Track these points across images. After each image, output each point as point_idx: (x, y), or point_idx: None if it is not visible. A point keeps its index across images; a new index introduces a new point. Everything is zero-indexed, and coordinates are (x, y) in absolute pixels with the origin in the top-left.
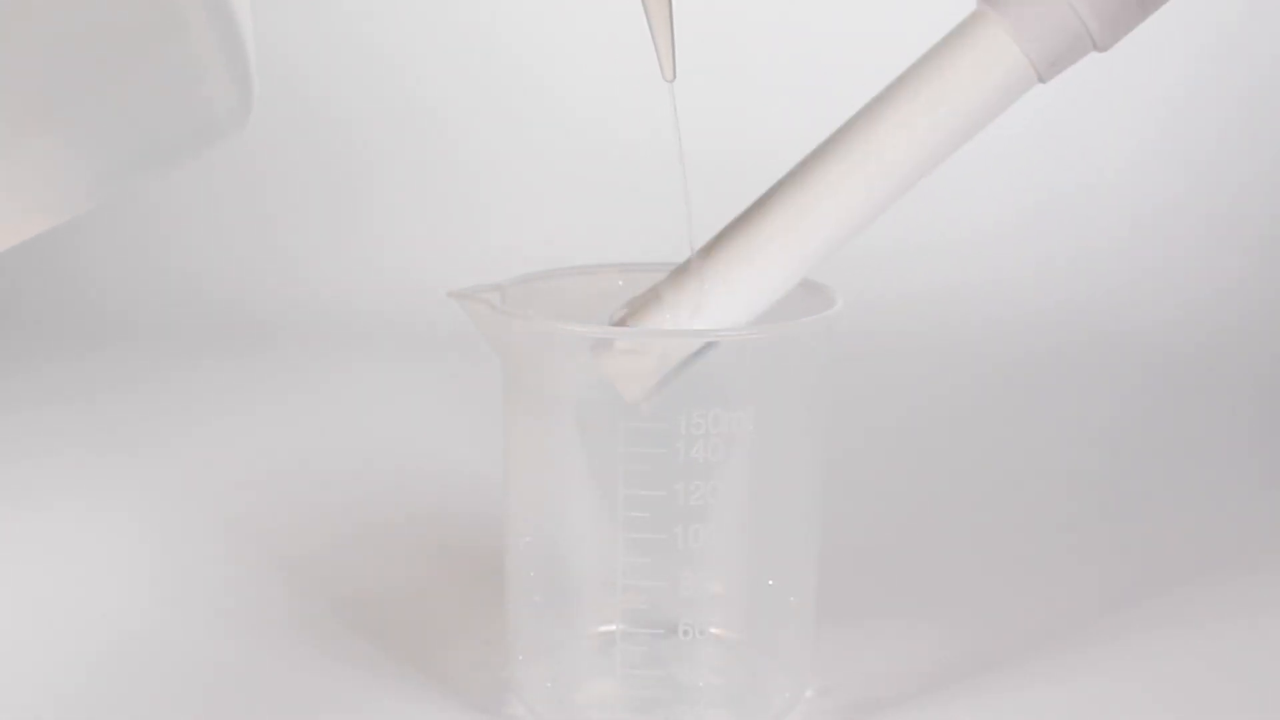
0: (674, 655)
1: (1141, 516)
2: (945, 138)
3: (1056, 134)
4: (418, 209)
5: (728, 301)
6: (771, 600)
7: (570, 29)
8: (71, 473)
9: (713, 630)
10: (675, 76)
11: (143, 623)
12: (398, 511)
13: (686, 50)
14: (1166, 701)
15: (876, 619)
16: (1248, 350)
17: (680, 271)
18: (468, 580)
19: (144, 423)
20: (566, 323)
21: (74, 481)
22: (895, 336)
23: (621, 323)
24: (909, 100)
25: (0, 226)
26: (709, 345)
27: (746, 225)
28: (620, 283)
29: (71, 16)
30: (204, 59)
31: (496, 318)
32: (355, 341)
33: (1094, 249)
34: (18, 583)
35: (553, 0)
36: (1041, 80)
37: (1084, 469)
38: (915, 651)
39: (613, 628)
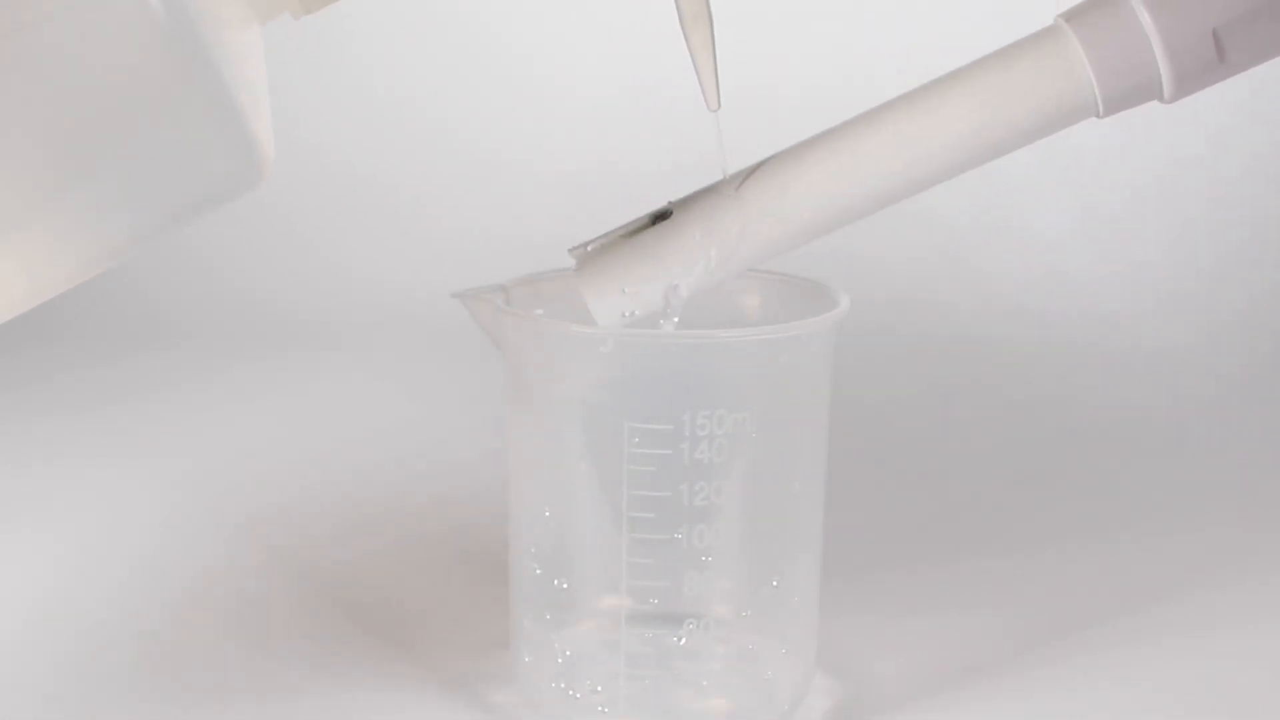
0: (679, 655)
1: (1147, 516)
2: (986, 144)
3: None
4: (421, 207)
5: (706, 254)
6: (776, 600)
7: (573, 30)
8: (72, 470)
9: (717, 630)
10: (720, 106)
11: (139, 619)
12: (401, 510)
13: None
14: (1170, 703)
15: (880, 618)
16: (1256, 356)
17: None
18: (471, 578)
19: (140, 421)
20: (570, 323)
21: (73, 478)
22: (900, 337)
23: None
24: (961, 95)
25: (14, 291)
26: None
27: (750, 183)
28: None
29: (63, 107)
30: (195, 130)
31: (500, 318)
32: (357, 340)
33: (1100, 244)
34: (16, 579)
35: (556, 2)
36: (1099, 114)
37: (1090, 470)
38: (919, 650)
39: (617, 628)
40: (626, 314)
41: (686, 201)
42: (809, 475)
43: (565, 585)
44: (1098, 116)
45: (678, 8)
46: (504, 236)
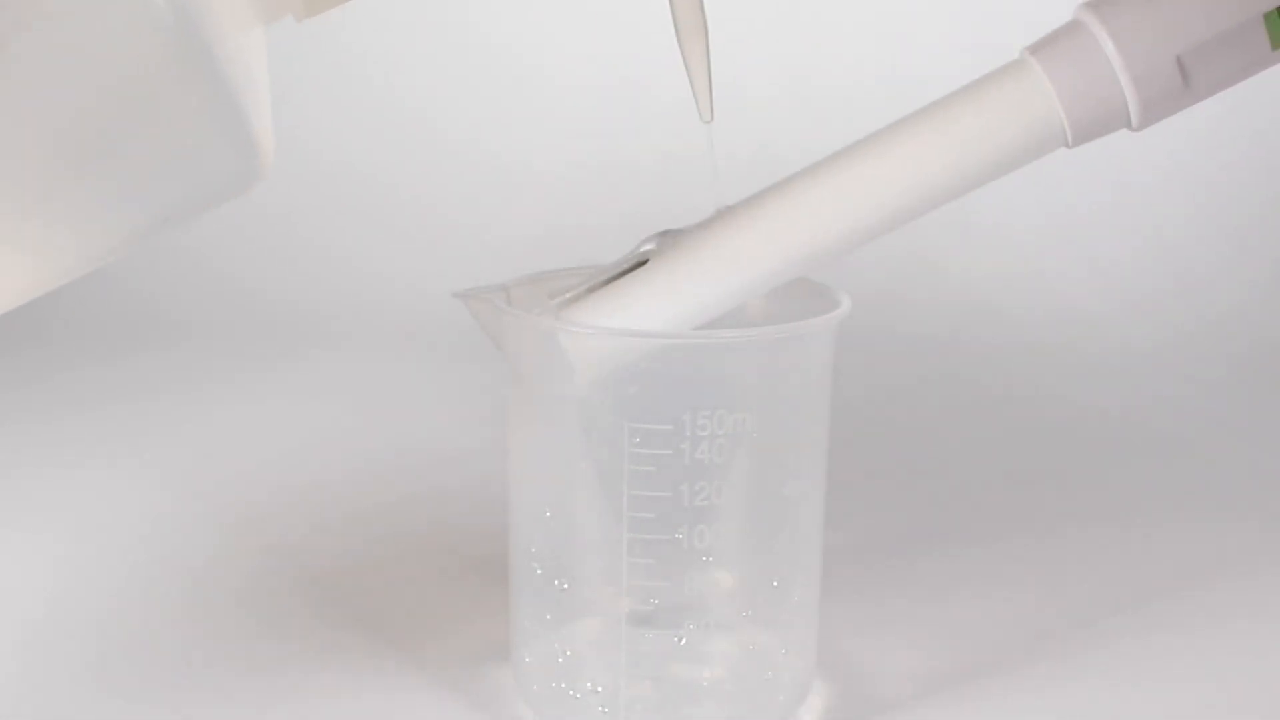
0: (679, 655)
1: (1147, 516)
2: (957, 179)
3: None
4: (422, 206)
5: (678, 303)
6: (776, 600)
7: (571, 29)
8: (72, 470)
9: (717, 630)
10: (713, 118)
11: (138, 617)
12: (401, 510)
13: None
14: (1169, 703)
15: (880, 618)
16: (1258, 358)
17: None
18: (471, 578)
19: (140, 421)
20: (571, 323)
21: (73, 477)
22: (899, 336)
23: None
24: (931, 132)
25: (12, 283)
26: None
27: (721, 228)
28: None
29: (69, 103)
30: (198, 130)
31: (501, 317)
32: (358, 340)
33: (1100, 249)
34: (14, 577)
35: (553, 4)
36: (1069, 144)
37: (1089, 470)
38: (919, 650)
39: (617, 628)
40: (609, 364)
41: (663, 246)
42: (809, 475)
43: (566, 585)
44: (1067, 147)
45: (674, 20)
46: (506, 236)
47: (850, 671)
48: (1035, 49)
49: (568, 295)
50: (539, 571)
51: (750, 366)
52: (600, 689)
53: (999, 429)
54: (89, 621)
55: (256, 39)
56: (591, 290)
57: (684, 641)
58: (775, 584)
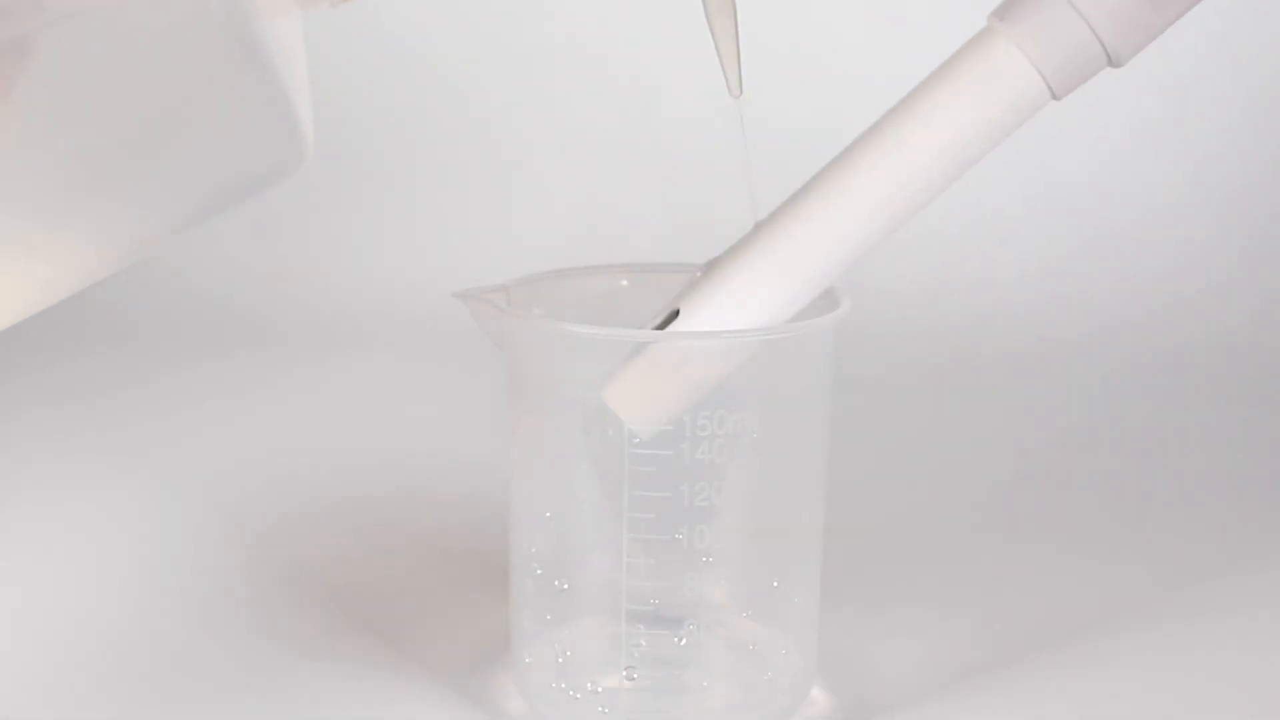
0: (679, 656)
1: (1146, 515)
2: (955, 158)
3: (1057, 125)
4: (423, 207)
5: (736, 319)
6: (776, 600)
7: (578, 28)
8: (71, 470)
9: (717, 631)
10: (742, 92)
11: (140, 619)
12: (400, 510)
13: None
14: (1169, 701)
15: (881, 619)
16: (1251, 348)
17: (689, 289)
18: (471, 578)
19: (141, 421)
20: (572, 324)
21: (74, 478)
22: (900, 335)
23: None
24: (916, 121)
25: (68, 272)
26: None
27: (755, 244)
28: (624, 283)
29: (119, 91)
30: (246, 117)
31: (501, 318)
32: (358, 340)
33: (1096, 244)
34: (15, 578)
35: (564, 1)
36: (1055, 97)
37: (1089, 468)
38: (919, 651)
39: (618, 628)
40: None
41: (688, 294)
42: (810, 475)
43: (566, 586)
44: (1055, 99)
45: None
46: (506, 235)
47: (850, 672)
48: (999, 12)
49: (611, 369)
50: (539, 571)
51: (750, 366)
52: (600, 689)
53: (1005, 431)
54: (83, 621)
55: (295, 24)
56: (634, 355)
57: (684, 641)
58: (775, 584)
